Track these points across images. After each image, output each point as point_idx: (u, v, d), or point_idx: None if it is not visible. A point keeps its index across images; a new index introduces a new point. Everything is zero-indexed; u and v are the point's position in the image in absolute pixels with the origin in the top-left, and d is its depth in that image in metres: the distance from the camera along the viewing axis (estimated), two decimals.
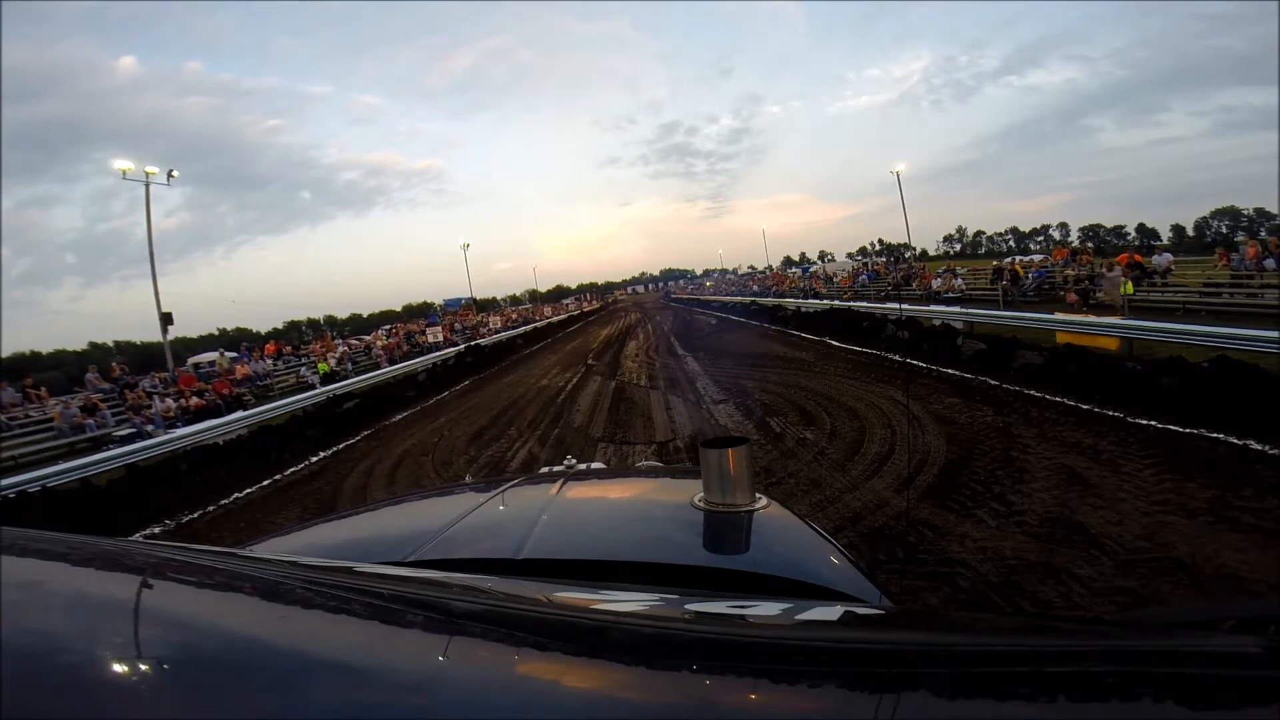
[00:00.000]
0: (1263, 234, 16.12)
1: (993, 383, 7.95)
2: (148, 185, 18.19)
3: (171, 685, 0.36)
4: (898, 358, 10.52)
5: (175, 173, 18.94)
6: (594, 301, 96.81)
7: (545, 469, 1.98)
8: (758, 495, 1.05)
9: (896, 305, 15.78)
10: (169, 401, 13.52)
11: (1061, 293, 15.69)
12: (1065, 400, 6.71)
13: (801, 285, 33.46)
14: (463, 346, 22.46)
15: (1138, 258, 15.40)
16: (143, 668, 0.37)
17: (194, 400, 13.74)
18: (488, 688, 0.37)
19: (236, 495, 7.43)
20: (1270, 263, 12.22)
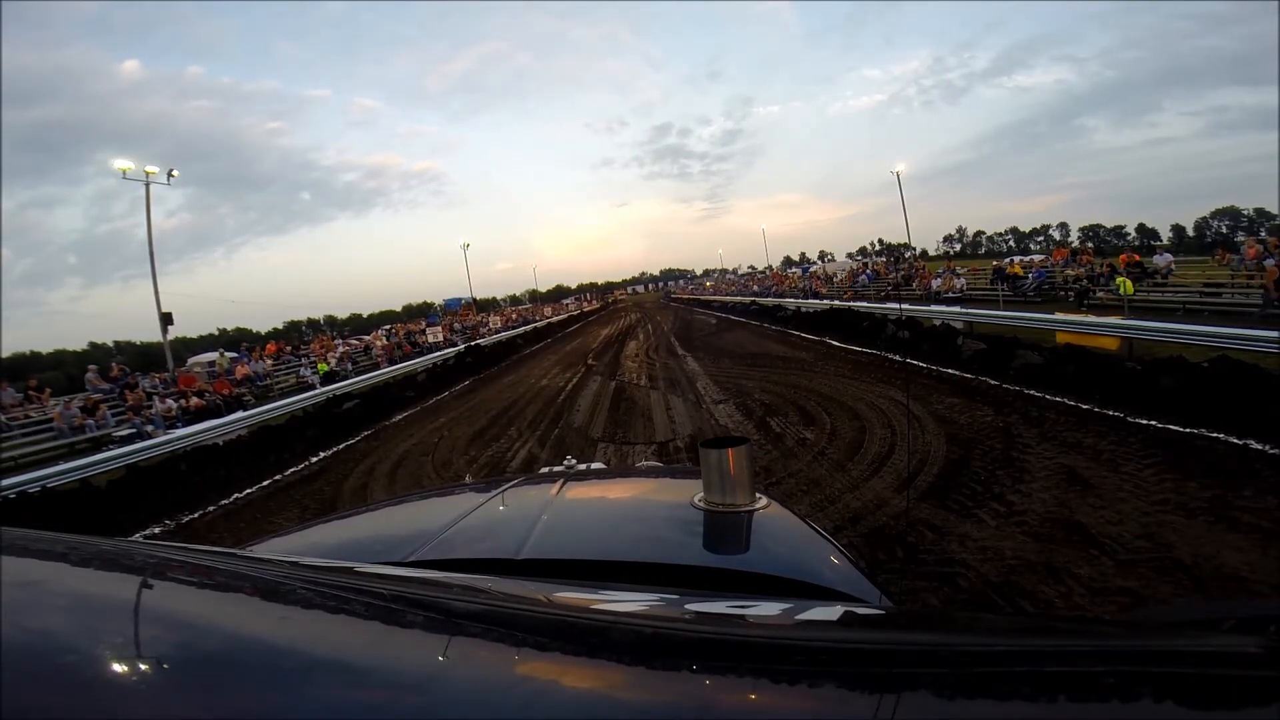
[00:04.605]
0: (1263, 234, 16.11)
1: (993, 382, 7.94)
2: (148, 185, 18.20)
3: (171, 685, 0.36)
4: (898, 358, 10.52)
5: (175, 172, 18.95)
6: (594, 302, 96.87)
7: (545, 469, 1.98)
8: (758, 495, 1.05)
9: (896, 305, 15.78)
10: (169, 402, 13.52)
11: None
12: (1065, 400, 6.71)
13: (801, 285, 33.44)
14: (462, 347, 22.46)
15: (1136, 258, 15.41)
16: (143, 667, 0.37)
17: (194, 400, 13.74)
18: (488, 688, 0.37)
19: (236, 495, 7.43)
20: (1270, 263, 12.22)
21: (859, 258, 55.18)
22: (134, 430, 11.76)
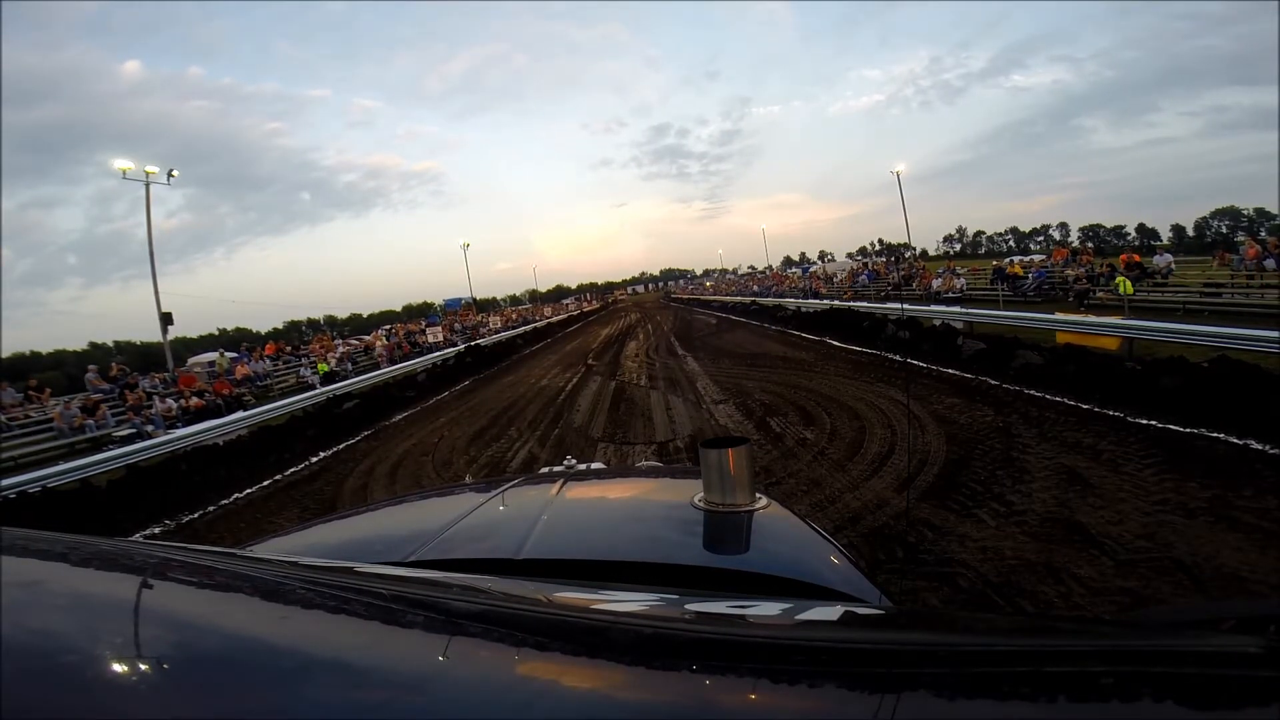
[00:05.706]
0: (1263, 234, 16.11)
1: (993, 382, 7.94)
2: (148, 185, 18.20)
3: (171, 685, 0.36)
4: (898, 358, 10.51)
5: (175, 172, 18.96)
6: (594, 302, 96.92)
7: (545, 469, 1.98)
8: (758, 495, 1.05)
9: (897, 305, 15.78)
10: (169, 402, 13.52)
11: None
12: (1065, 400, 6.71)
13: (802, 285, 33.44)
14: (462, 346, 22.46)
15: (1136, 258, 15.41)
16: (143, 668, 0.37)
17: (194, 400, 13.74)
18: (488, 688, 0.37)
19: (237, 495, 7.42)
20: (1270, 263, 12.23)
21: (859, 258, 55.26)
22: (134, 430, 11.76)
